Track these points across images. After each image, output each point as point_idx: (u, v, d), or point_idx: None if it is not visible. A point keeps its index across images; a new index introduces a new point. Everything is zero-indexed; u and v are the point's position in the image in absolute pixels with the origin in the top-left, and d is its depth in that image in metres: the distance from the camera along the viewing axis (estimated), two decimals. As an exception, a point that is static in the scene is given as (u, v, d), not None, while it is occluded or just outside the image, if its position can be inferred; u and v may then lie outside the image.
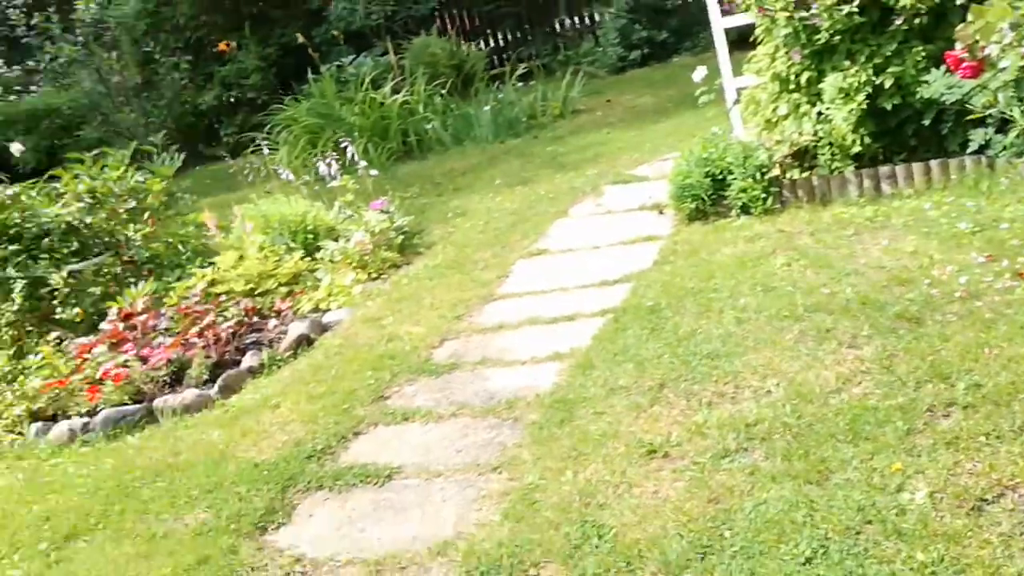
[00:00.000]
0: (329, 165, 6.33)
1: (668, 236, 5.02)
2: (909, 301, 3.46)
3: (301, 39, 10.28)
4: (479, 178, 7.94)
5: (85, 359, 4.65)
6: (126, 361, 4.56)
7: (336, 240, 6.18)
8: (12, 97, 15.18)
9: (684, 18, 12.05)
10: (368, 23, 11.95)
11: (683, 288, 4.16)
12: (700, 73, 5.12)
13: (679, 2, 12.09)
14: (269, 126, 10.37)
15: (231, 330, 4.79)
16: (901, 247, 3.97)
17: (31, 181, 5.71)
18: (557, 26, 14.03)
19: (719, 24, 5.23)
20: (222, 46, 10.96)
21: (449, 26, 12.89)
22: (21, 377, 4.68)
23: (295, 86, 10.72)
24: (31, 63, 13.45)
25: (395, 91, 9.89)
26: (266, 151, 7.60)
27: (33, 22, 11.96)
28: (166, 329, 4.87)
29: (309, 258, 5.96)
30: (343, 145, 6.74)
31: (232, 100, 13.26)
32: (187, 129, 13.32)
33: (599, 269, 4.83)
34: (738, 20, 5.12)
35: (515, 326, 4.39)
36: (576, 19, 13.72)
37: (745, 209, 4.90)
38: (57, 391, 4.39)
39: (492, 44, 13.88)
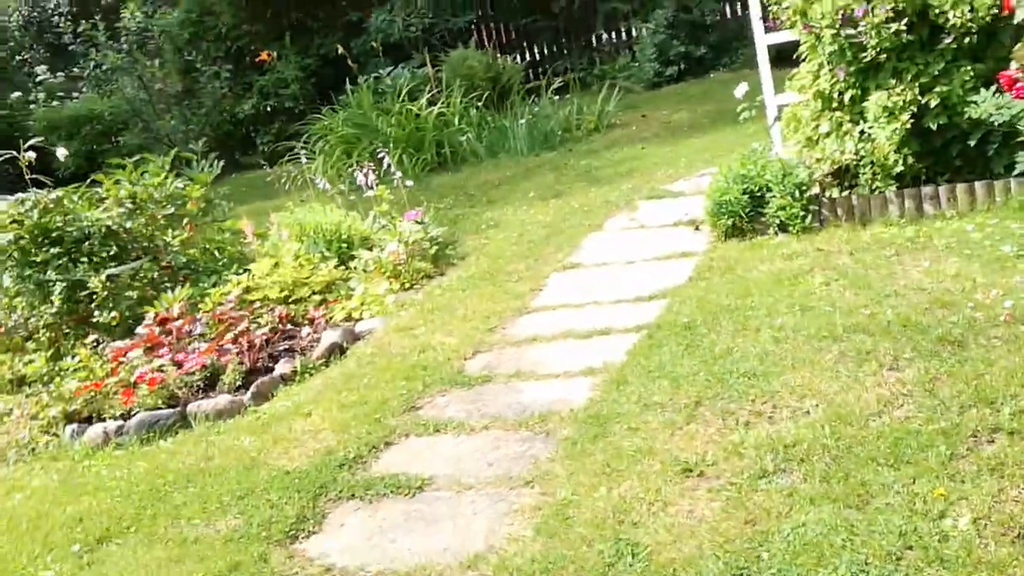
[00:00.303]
0: (366, 175, 6.35)
1: (704, 252, 4.98)
2: (952, 324, 3.40)
3: (340, 50, 10.35)
4: (513, 190, 7.94)
5: (121, 362, 4.69)
6: (161, 366, 4.59)
7: (370, 249, 6.21)
8: (55, 103, 15.46)
9: (723, 34, 12.03)
10: (406, 35, 12.03)
11: (719, 305, 4.11)
12: (742, 89, 5.09)
13: (718, 18, 12.05)
14: (306, 136, 10.45)
15: (264, 337, 4.81)
16: (943, 269, 3.91)
17: (73, 186, 5.79)
18: (594, 40, 14.05)
19: (762, 41, 5.20)
20: (263, 56, 11.07)
21: (486, 39, 12.94)
22: (57, 379, 4.73)
23: (333, 96, 10.80)
24: (75, 70, 13.67)
25: (431, 103, 9.94)
26: (304, 160, 7.62)
27: (79, 30, 12.16)
28: (201, 335, 4.90)
29: (343, 267, 5.99)
30: (379, 156, 6.77)
31: (269, 109, 13.41)
32: (224, 137, 13.48)
33: (634, 284, 4.80)
34: (782, 37, 5.08)
35: (549, 339, 4.37)
36: (613, 33, 13.73)
37: (783, 227, 4.85)
38: (93, 393, 4.43)
39: (528, 57, 13.93)
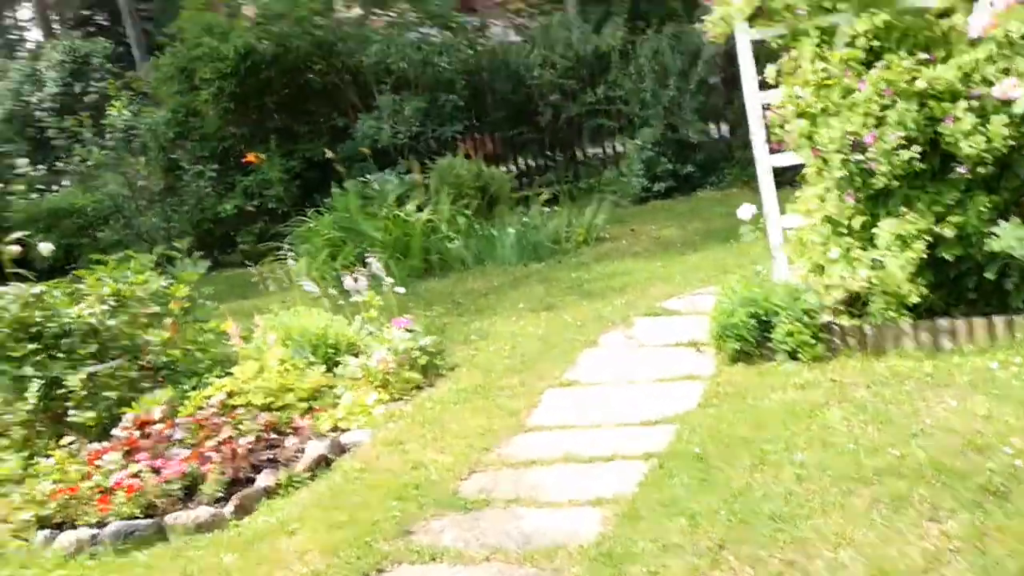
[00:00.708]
0: (356, 279, 6.21)
1: (710, 376, 4.85)
2: (991, 471, 3.24)
3: (328, 154, 10.36)
4: (502, 300, 7.83)
5: (97, 466, 4.42)
6: (139, 471, 4.33)
7: (357, 356, 6.02)
8: (35, 196, 15.32)
9: (709, 154, 12.22)
10: (393, 142, 12.11)
11: (732, 436, 3.96)
12: (747, 211, 5.05)
13: (705, 138, 12.26)
14: (290, 237, 10.36)
15: (248, 446, 4.56)
16: (971, 408, 3.78)
17: (55, 280, 5.59)
18: (579, 154, 14.25)
19: (766, 162, 5.20)
20: (250, 157, 11.07)
21: (475, 149, 13.07)
22: (31, 480, 4.44)
23: (319, 199, 10.76)
24: (57, 163, 13.59)
25: (419, 209, 9.92)
26: (291, 262, 7.49)
27: (65, 124, 12.13)
28: (181, 440, 4.65)
29: (330, 373, 5.79)
30: (367, 260, 6.66)
31: (252, 209, 13.35)
32: (205, 235, 13.35)
33: (637, 407, 4.64)
34: (785, 159, 5.08)
35: (549, 463, 4.17)
36: (599, 148, 13.94)
37: (792, 354, 4.74)
38: (67, 498, 4.15)
39: (515, 169, 14.08)
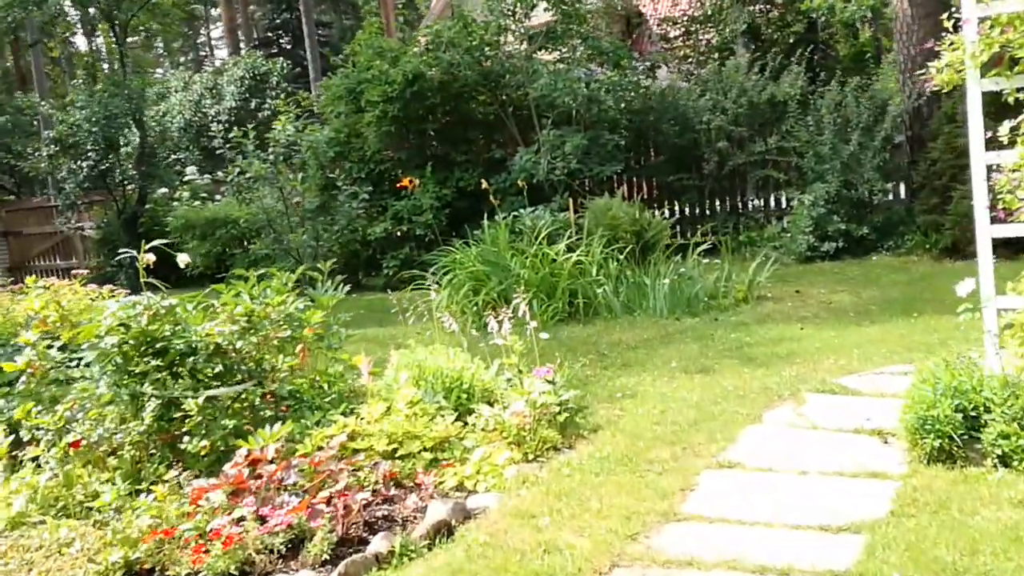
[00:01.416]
0: (501, 321, 5.72)
1: (902, 476, 4.07)
2: None
3: (484, 185, 10.00)
4: (652, 356, 7.20)
5: (199, 506, 4.05)
6: (243, 517, 3.93)
7: (492, 405, 5.53)
8: (197, 203, 15.76)
9: (888, 216, 11.28)
10: (550, 177, 11.70)
11: (939, 560, 3.20)
12: (966, 287, 4.26)
13: (884, 198, 11.30)
14: (434, 266, 10.05)
15: (364, 502, 4.10)
16: None
17: (190, 294, 5.34)
18: (741, 205, 13.48)
19: (986, 232, 4.40)
20: (405, 181, 10.86)
21: (634, 192, 12.52)
22: (129, 512, 4.11)
23: (468, 230, 10.42)
24: (220, 174, 13.88)
25: (569, 249, 9.42)
26: (433, 295, 7.09)
27: (231, 135, 12.34)
28: (294, 484, 4.24)
29: (460, 422, 5.31)
30: (513, 300, 6.16)
31: (400, 234, 13.21)
32: (351, 256, 13.31)
33: (812, 505, 3.93)
34: (1013, 230, 4.29)
35: (709, 567, 3.51)
36: (763, 200, 13.14)
37: (1004, 460, 3.94)
38: (161, 541, 3.78)
39: (673, 215, 13.45)
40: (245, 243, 14.29)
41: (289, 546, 3.90)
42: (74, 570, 3.79)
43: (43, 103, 19.48)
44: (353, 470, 4.46)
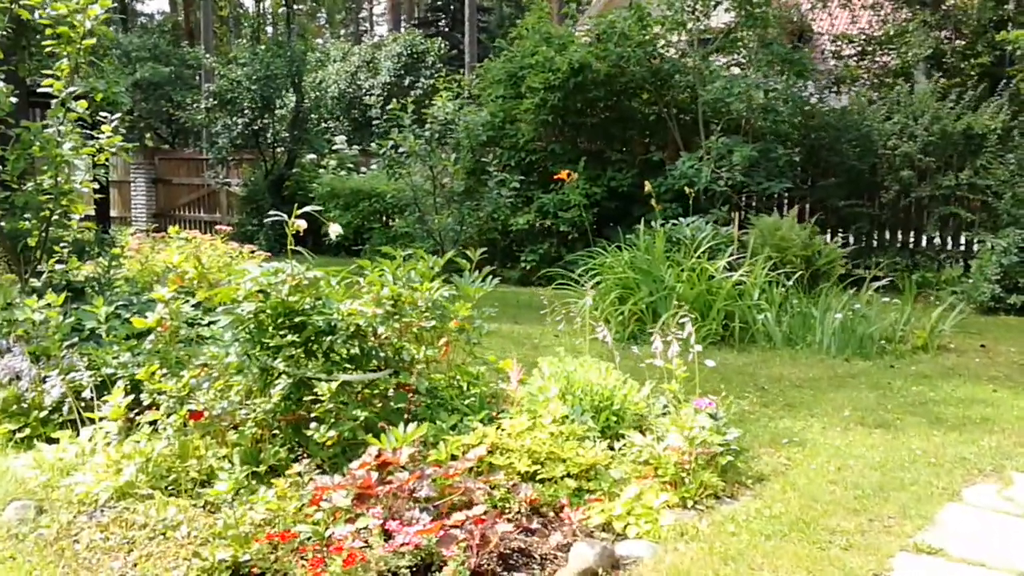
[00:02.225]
0: (668, 342, 5.08)
1: None
2: None
3: (648, 188, 9.34)
4: (819, 399, 6.42)
5: (320, 507, 3.59)
6: (366, 528, 3.45)
7: (643, 433, 4.91)
8: (343, 173, 15.66)
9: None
10: (711, 188, 10.94)
11: None
12: None
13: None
14: (576, 266, 9.48)
15: (504, 534, 3.56)
16: None
17: (335, 267, 4.91)
18: (918, 241, 12.38)
19: None
20: (563, 174, 10.31)
21: (807, 214, 11.63)
22: (243, 501, 3.69)
23: (620, 232, 9.78)
24: (371, 146, 13.68)
25: (730, 267, 8.69)
26: (588, 300, 6.51)
27: (388, 107, 12.07)
28: (426, 499, 3.73)
29: (608, 448, 4.71)
30: (681, 320, 5.50)
31: (543, 228, 12.70)
32: (489, 245, 12.89)
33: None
34: None
35: None
36: (944, 239, 12.02)
37: None
38: (273, 546, 3.33)
39: (845, 243, 12.50)
40: (385, 218, 14.06)
41: (413, 569, 3.40)
42: (176, 560, 3.39)
43: (207, 56, 19.83)
44: (490, 488, 3.94)
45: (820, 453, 5.22)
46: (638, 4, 12.36)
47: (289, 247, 4.63)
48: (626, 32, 12.27)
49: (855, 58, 18.46)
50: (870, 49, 18.10)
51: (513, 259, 13.17)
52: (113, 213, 19.65)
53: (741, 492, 4.59)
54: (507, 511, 3.78)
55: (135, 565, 3.38)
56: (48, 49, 5.74)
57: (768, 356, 7.80)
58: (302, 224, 4.52)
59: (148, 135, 23.43)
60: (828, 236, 12.32)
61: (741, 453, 4.98)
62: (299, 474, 3.88)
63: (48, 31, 5.68)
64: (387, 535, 3.48)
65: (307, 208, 4.80)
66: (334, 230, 4.62)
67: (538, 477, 4.29)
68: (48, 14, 5.63)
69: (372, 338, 4.75)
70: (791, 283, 8.62)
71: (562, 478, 4.31)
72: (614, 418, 5.04)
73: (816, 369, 7.35)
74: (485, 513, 3.59)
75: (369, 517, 3.51)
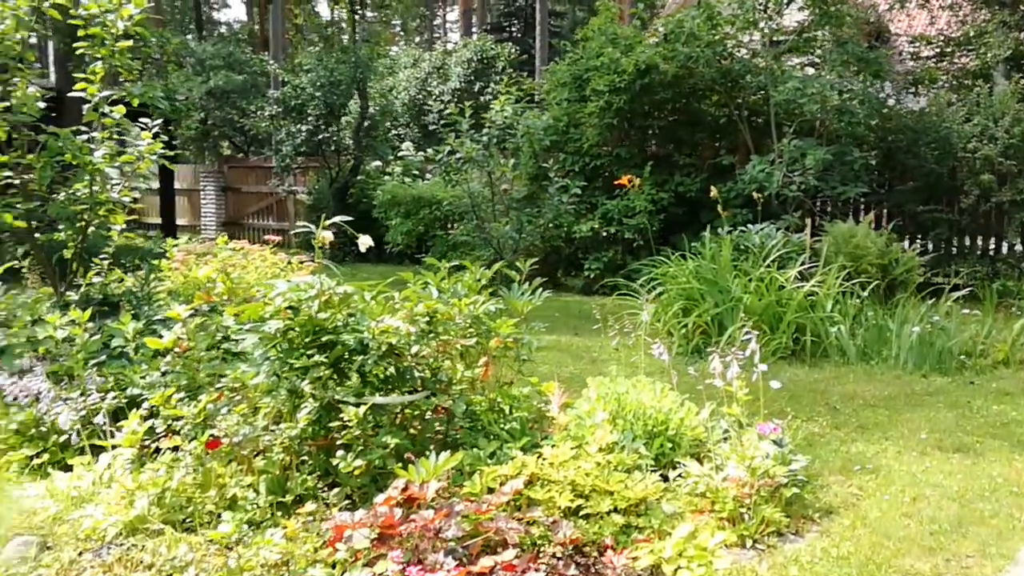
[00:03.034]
0: (727, 363, 4.69)
1: None
2: None
3: (713, 192, 8.91)
4: (895, 420, 5.96)
5: (336, 548, 3.32)
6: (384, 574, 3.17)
7: (700, 461, 4.54)
8: (407, 180, 15.52)
9: None
10: (783, 193, 10.42)
11: None
12: None
13: None
14: (641, 275, 9.10)
15: (537, 581, 3.24)
16: None
17: (371, 283, 4.65)
18: (999, 248, 11.67)
19: None
20: (624, 179, 9.93)
21: (884, 220, 11.03)
22: (254, 541, 3.45)
23: (686, 239, 9.36)
24: (431, 152, 13.50)
25: (801, 277, 8.21)
26: (645, 316, 6.15)
27: (445, 112, 11.84)
28: (456, 538, 3.43)
29: (661, 479, 4.35)
30: (746, 336, 5.10)
31: (606, 235, 12.33)
32: (551, 253, 12.57)
33: None
34: None
35: None
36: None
37: None
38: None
39: (923, 250, 11.86)
40: (447, 225, 13.84)
41: (435, 621, 3.11)
42: (182, 603, 3.15)
43: (271, 63, 19.92)
44: (527, 526, 3.62)
45: (894, 481, 4.79)
46: (707, 3, 11.90)
47: (317, 259, 4.40)
48: (695, 32, 11.83)
49: (933, 59, 17.70)
50: (948, 50, 17.33)
51: (577, 267, 12.82)
52: (182, 221, 19.91)
53: (807, 527, 4.20)
54: (542, 554, 3.45)
55: (137, 609, 3.16)
56: (80, 51, 5.62)
57: (841, 372, 7.33)
58: (328, 236, 4.29)
59: (224, 143, 23.73)
60: (906, 243, 11.69)
61: (808, 483, 4.60)
62: (325, 505, 3.62)
63: (80, 32, 5.56)
64: (407, 581, 3.19)
65: (335, 219, 4.56)
66: (364, 242, 4.36)
67: (581, 512, 3.96)
68: (79, 14, 5.50)
69: (409, 357, 4.48)
70: (866, 294, 8.10)
71: (608, 513, 3.97)
72: (669, 445, 4.68)
73: (892, 386, 6.85)
74: (516, 557, 3.28)
75: (388, 561, 3.23)
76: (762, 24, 11.96)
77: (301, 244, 14.86)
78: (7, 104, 5.36)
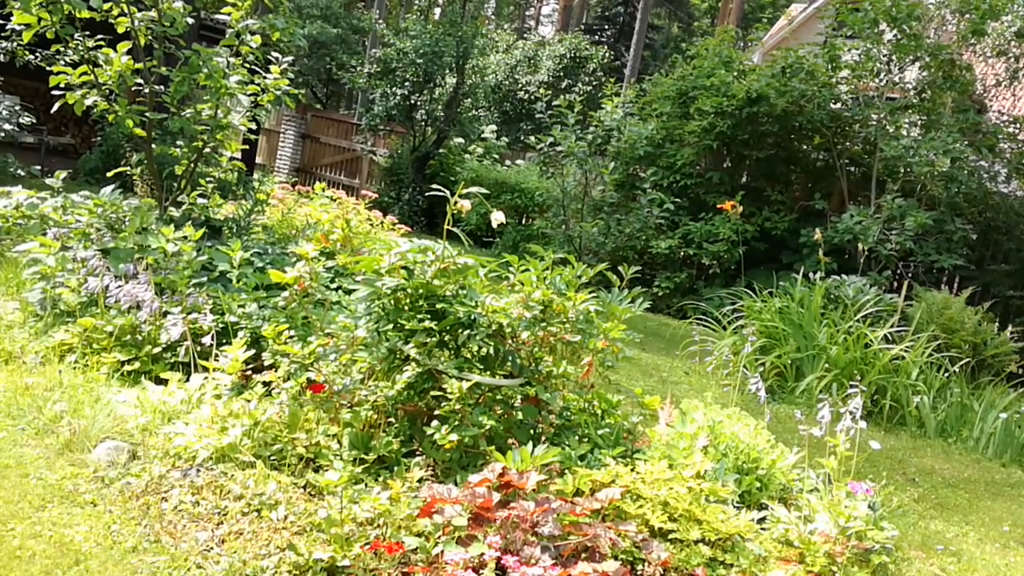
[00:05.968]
0: (839, 416, 4.49)
1: None
2: None
3: (818, 237, 8.65)
4: (975, 505, 5.71)
5: (431, 518, 3.18)
6: (480, 558, 3.02)
7: (787, 508, 4.34)
8: (487, 162, 15.40)
9: None
10: (879, 249, 10.12)
11: None
12: None
13: None
14: (719, 305, 8.89)
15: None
16: None
17: (488, 258, 4.52)
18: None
19: None
20: (728, 204, 9.71)
21: (977, 297, 10.69)
22: (350, 495, 3.32)
23: (774, 275, 9.13)
24: (529, 139, 13.35)
25: (889, 339, 7.95)
26: (727, 351, 5.94)
27: (554, 103, 11.68)
28: (550, 537, 3.28)
29: (749, 518, 4.16)
30: (852, 388, 4.88)
31: (683, 256, 12.10)
32: (620, 262, 12.36)
33: None
34: None
35: None
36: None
37: None
38: (376, 555, 2.93)
39: (1020, 336, 11.49)
40: (525, 215, 13.69)
41: (523, 619, 2.96)
42: (268, 547, 3.03)
43: (379, 22, 19.92)
44: (618, 538, 3.46)
45: (977, 570, 4.57)
46: (832, 43, 11.60)
47: (446, 227, 4.25)
48: (813, 71, 11.56)
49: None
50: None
51: (644, 282, 12.60)
52: (258, 160, 19.96)
53: (892, 601, 4.00)
54: (639, 572, 3.29)
55: (222, 541, 3.04)
56: (227, -24, 5.56)
57: (918, 444, 7.06)
58: (466, 205, 4.13)
59: (303, 92, 23.79)
60: (996, 325, 11.35)
61: (892, 553, 4.38)
62: (418, 478, 3.48)
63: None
64: (501, 570, 3.05)
65: (474, 189, 4.43)
66: (496, 217, 4.21)
67: (670, 536, 3.79)
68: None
69: (511, 341, 4.34)
70: (955, 369, 7.81)
71: (696, 542, 3.80)
72: (757, 484, 4.49)
73: (971, 470, 6.59)
74: (615, 571, 3.12)
75: (484, 545, 3.09)
76: (883, 75, 11.64)
77: (373, 204, 14.80)
78: (153, 15, 5.30)
